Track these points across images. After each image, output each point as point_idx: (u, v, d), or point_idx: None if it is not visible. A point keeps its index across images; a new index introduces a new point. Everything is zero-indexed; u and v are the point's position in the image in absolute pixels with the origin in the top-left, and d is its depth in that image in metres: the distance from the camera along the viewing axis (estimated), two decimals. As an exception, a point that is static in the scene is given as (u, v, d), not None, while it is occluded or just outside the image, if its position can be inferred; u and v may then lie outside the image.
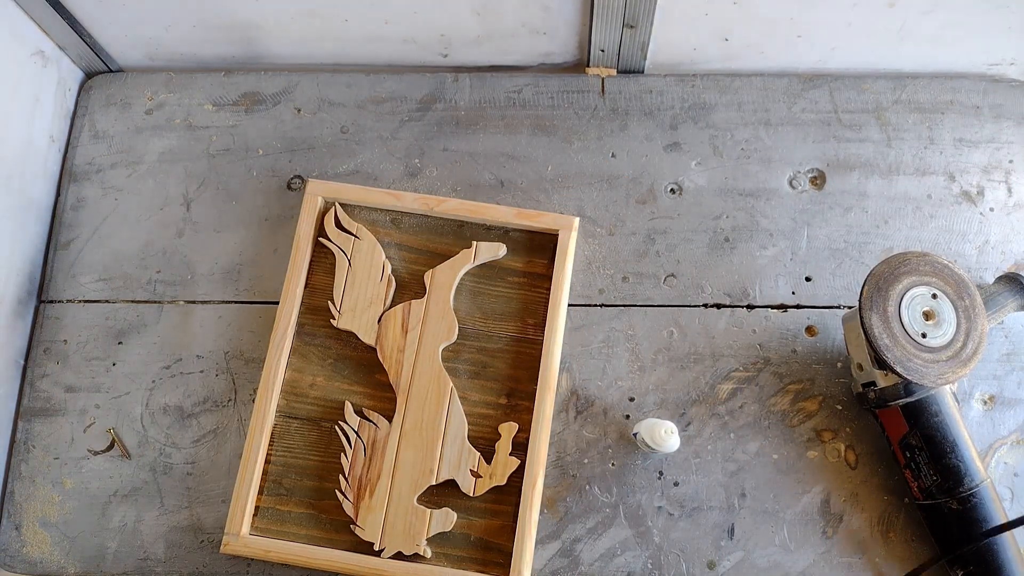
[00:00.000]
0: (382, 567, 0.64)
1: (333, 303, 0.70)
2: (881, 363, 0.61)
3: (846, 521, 0.66)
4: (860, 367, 0.65)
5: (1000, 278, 0.69)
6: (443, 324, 0.69)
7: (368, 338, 0.69)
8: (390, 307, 0.70)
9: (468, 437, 0.67)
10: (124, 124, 0.79)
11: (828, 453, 0.68)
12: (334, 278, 0.71)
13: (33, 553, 0.67)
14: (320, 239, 0.72)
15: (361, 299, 0.70)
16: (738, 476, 0.67)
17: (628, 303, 0.72)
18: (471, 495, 0.65)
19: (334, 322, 0.70)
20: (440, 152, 0.77)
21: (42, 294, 0.74)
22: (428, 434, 0.66)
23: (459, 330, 0.69)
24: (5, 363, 0.71)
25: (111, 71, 0.82)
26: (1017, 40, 0.75)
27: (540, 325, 0.69)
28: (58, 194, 0.77)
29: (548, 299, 0.69)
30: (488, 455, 0.66)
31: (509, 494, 0.66)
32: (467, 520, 0.66)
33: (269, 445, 0.68)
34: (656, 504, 0.67)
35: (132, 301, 0.73)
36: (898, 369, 0.59)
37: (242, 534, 0.65)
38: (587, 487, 0.67)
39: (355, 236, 0.71)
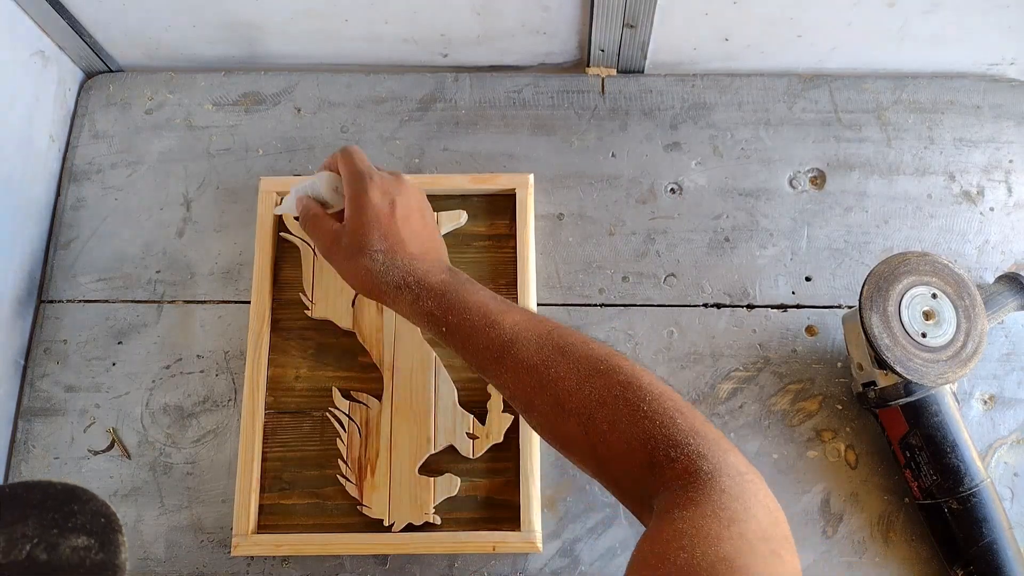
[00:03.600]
0: (395, 541, 0.64)
1: (305, 294, 0.70)
2: (881, 363, 0.61)
3: (846, 521, 0.66)
4: (860, 367, 0.65)
5: (1000, 278, 0.69)
6: None
7: (345, 323, 0.69)
8: None
9: (459, 402, 0.67)
10: (124, 124, 0.79)
11: (828, 453, 0.68)
12: (302, 270, 0.71)
13: (33, 553, 0.67)
14: (281, 234, 0.72)
15: (332, 286, 0.70)
16: (738, 476, 0.67)
17: (628, 303, 0.72)
18: (471, 457, 0.66)
19: (308, 313, 0.70)
20: (440, 152, 0.77)
21: (42, 294, 0.74)
22: (419, 406, 0.67)
23: None
24: (5, 363, 0.71)
25: (111, 71, 0.82)
26: (1017, 40, 0.75)
27: (512, 284, 0.70)
28: (58, 194, 0.77)
29: (515, 257, 0.70)
30: (481, 416, 0.67)
31: (508, 450, 0.66)
32: (471, 482, 0.66)
33: (264, 443, 0.68)
34: (656, 504, 0.66)
35: (132, 301, 0.73)
36: (898, 369, 0.59)
37: (250, 534, 0.65)
38: (587, 487, 0.67)
39: None
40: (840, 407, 0.69)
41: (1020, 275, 0.67)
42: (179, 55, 0.81)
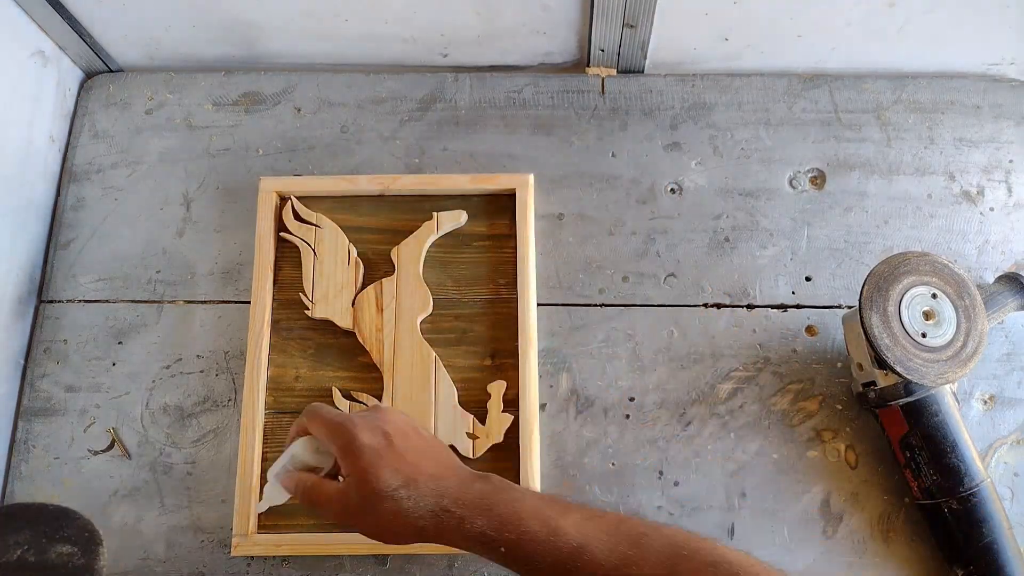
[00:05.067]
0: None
1: (305, 294, 0.70)
2: (881, 363, 0.61)
3: (846, 521, 0.66)
4: (860, 367, 0.65)
5: (1000, 278, 0.69)
6: (417, 297, 0.70)
7: (344, 323, 0.69)
8: (361, 289, 0.70)
9: (459, 402, 0.68)
10: (124, 124, 0.79)
11: (828, 453, 0.68)
12: (301, 270, 0.71)
13: (33, 553, 0.67)
14: (281, 234, 0.72)
15: (332, 286, 0.70)
16: (738, 476, 0.67)
17: (628, 303, 0.72)
18: (471, 457, 0.66)
19: (308, 313, 0.70)
20: (440, 152, 0.77)
21: (42, 294, 0.74)
22: (419, 406, 0.67)
23: (433, 301, 0.70)
24: (5, 363, 0.71)
25: (111, 71, 0.82)
26: (1017, 40, 0.75)
27: (512, 284, 0.70)
28: (58, 194, 0.77)
29: (515, 257, 0.71)
30: (481, 416, 0.67)
31: (508, 450, 0.66)
32: None
33: (264, 443, 0.68)
34: (656, 504, 0.67)
35: (132, 301, 0.73)
36: (898, 369, 0.59)
37: (250, 534, 0.65)
38: (587, 487, 0.67)
39: (316, 225, 0.72)
40: (840, 407, 0.69)
41: (1020, 275, 0.67)
42: (179, 55, 0.81)
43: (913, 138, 0.76)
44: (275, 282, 0.72)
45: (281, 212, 0.72)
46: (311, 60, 0.81)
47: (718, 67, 0.79)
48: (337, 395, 0.68)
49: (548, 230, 0.74)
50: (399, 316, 0.69)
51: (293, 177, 0.75)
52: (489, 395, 0.68)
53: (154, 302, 0.73)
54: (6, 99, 0.72)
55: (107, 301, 0.73)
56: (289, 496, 0.55)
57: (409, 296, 0.70)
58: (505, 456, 0.66)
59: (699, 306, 0.72)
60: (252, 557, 0.66)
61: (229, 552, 0.65)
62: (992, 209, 0.74)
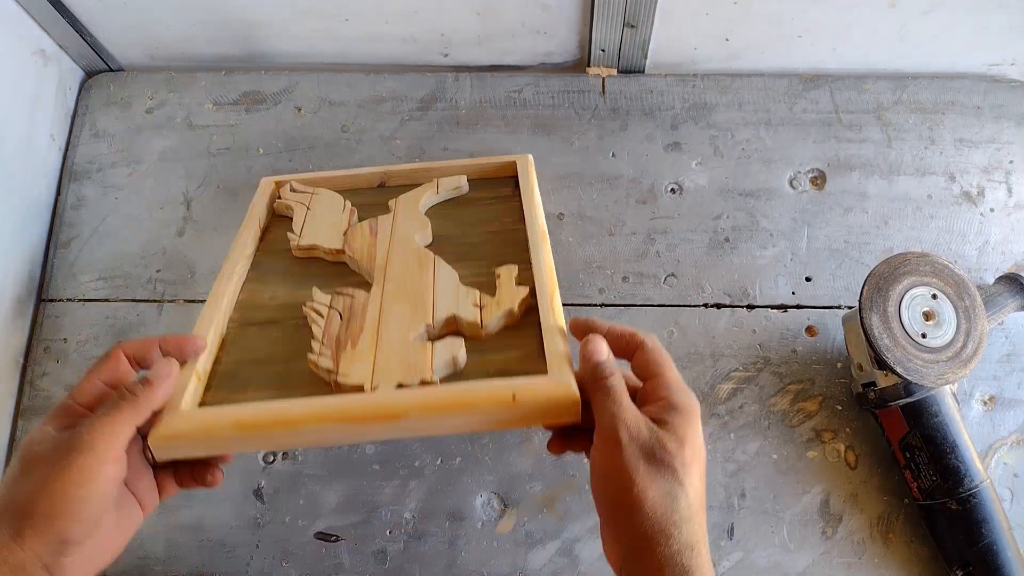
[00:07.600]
0: (380, 401, 0.47)
1: (293, 233, 0.63)
2: (881, 363, 0.61)
3: (846, 521, 0.66)
4: (860, 367, 0.65)
5: (1000, 278, 0.69)
6: (416, 223, 0.63)
7: (333, 244, 0.61)
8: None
9: (462, 283, 0.56)
10: (124, 123, 0.79)
11: (828, 453, 0.68)
12: (292, 223, 0.65)
13: (33, 552, 0.67)
14: (276, 202, 0.68)
15: (323, 225, 0.64)
16: (738, 476, 0.67)
17: (628, 303, 0.72)
18: (479, 325, 0.52)
19: (294, 244, 0.62)
20: (440, 152, 0.77)
21: (42, 293, 0.74)
22: (415, 291, 0.55)
23: (436, 237, 0.62)
24: (5, 362, 0.71)
25: (111, 70, 0.82)
26: (1017, 40, 0.75)
27: (520, 219, 0.62)
28: (58, 193, 0.77)
29: (521, 204, 0.64)
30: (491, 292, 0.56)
31: (524, 328, 0.53)
32: (481, 358, 0.51)
33: (219, 350, 0.54)
34: (656, 504, 0.66)
35: (132, 300, 0.73)
36: (898, 369, 0.59)
37: (183, 408, 0.47)
38: (587, 486, 0.67)
39: (313, 192, 0.68)
40: (840, 408, 0.69)
41: (1020, 276, 0.67)
42: (179, 54, 0.81)
43: (913, 138, 0.76)
44: (262, 239, 0.65)
45: (280, 192, 0.69)
46: (311, 60, 0.81)
47: (718, 67, 0.79)
48: (317, 292, 0.58)
49: (548, 230, 0.74)
50: (395, 237, 0.61)
51: (292, 175, 0.75)
52: (498, 275, 0.57)
53: (154, 301, 0.73)
54: (7, 98, 0.72)
55: (107, 300, 0.73)
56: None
57: (407, 222, 0.63)
58: (522, 334, 0.53)
59: (699, 306, 0.72)
60: (252, 556, 0.66)
61: (228, 550, 0.65)
62: (992, 210, 0.74)
